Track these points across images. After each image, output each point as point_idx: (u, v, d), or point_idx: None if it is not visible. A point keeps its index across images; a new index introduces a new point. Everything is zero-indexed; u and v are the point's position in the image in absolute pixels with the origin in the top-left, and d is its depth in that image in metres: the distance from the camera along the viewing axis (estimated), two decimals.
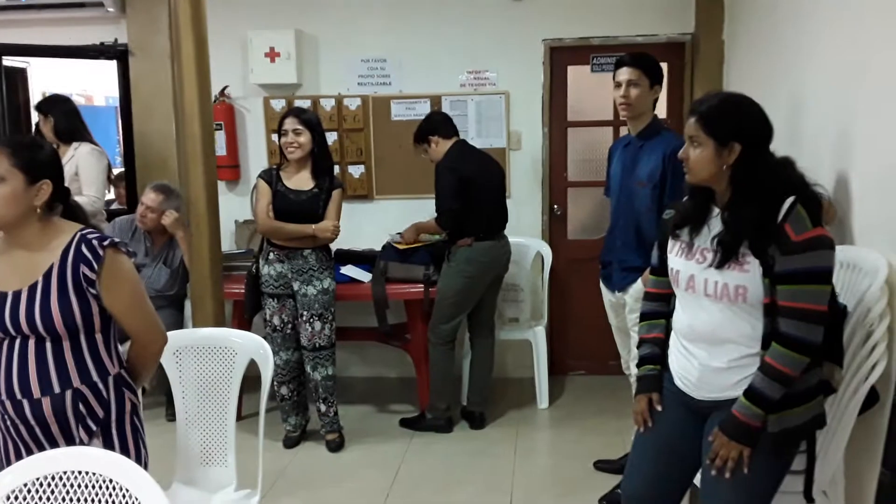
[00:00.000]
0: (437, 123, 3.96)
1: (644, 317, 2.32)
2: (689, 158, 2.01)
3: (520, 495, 3.36)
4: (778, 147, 2.07)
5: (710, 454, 2.00)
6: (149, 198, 4.10)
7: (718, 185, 2.01)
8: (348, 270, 4.24)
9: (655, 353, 2.22)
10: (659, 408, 2.18)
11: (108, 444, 1.96)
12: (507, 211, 4.10)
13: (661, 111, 4.18)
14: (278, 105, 4.69)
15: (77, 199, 3.83)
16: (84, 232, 1.94)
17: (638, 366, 2.28)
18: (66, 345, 1.92)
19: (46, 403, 1.90)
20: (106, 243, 1.93)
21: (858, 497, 2.42)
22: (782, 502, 2.28)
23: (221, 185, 4.61)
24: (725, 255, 1.95)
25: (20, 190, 1.87)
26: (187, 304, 4.08)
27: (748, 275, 1.92)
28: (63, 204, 2.02)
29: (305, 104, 4.65)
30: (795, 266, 1.87)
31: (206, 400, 2.52)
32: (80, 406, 1.93)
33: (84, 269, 1.90)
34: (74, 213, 2.05)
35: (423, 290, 4.08)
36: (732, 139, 1.95)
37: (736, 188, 1.98)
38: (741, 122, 1.98)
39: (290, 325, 3.82)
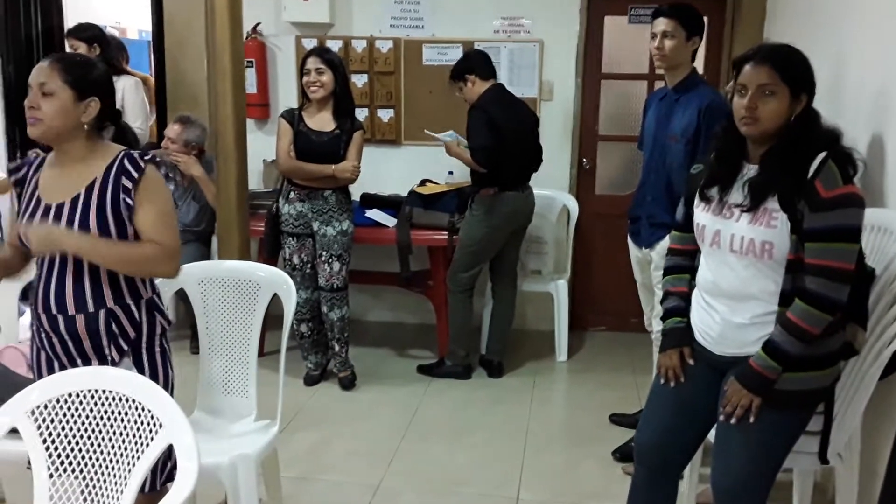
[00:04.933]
0: (476, 62, 3.89)
1: (668, 271, 2.30)
2: (759, 108, 1.91)
3: (534, 442, 3.41)
4: (819, 106, 2.02)
5: (722, 401, 2.01)
6: (170, 129, 4.14)
7: (767, 140, 1.95)
8: (373, 214, 4.25)
9: (681, 307, 2.20)
10: (691, 361, 2.14)
11: (137, 364, 2.02)
12: (541, 159, 4.06)
13: (699, 66, 4.09)
14: (310, 45, 4.64)
15: None
16: (129, 150, 2.00)
17: (663, 319, 2.26)
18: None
19: (80, 321, 1.96)
20: (147, 157, 1.99)
21: (874, 461, 2.43)
22: (797, 462, 2.30)
23: (251, 124, 4.61)
24: (756, 197, 1.92)
25: (69, 105, 1.92)
26: (214, 241, 4.12)
27: (775, 230, 1.90)
28: (115, 126, 2.08)
29: (337, 45, 4.61)
30: (824, 223, 1.84)
31: (230, 331, 2.56)
32: (113, 325, 1.99)
33: (124, 180, 1.95)
34: (125, 137, 2.10)
35: (446, 237, 4.09)
36: (803, 89, 1.92)
37: (782, 140, 1.93)
38: (809, 73, 1.95)
39: (309, 265, 3.86)
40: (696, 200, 2.11)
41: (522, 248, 4.25)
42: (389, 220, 4.22)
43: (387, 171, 4.68)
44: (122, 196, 1.94)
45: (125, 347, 2.01)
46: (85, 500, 1.62)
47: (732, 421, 1.98)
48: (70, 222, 1.92)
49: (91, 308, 1.96)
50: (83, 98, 1.93)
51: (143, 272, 2.00)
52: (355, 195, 4.10)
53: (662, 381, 2.18)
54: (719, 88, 2.17)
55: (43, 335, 2.00)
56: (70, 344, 1.98)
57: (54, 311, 1.96)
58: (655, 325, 3.20)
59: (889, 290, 2.25)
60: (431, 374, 4.12)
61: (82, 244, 1.90)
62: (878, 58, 2.69)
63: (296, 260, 3.84)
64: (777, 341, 1.92)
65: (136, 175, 1.95)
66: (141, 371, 2.02)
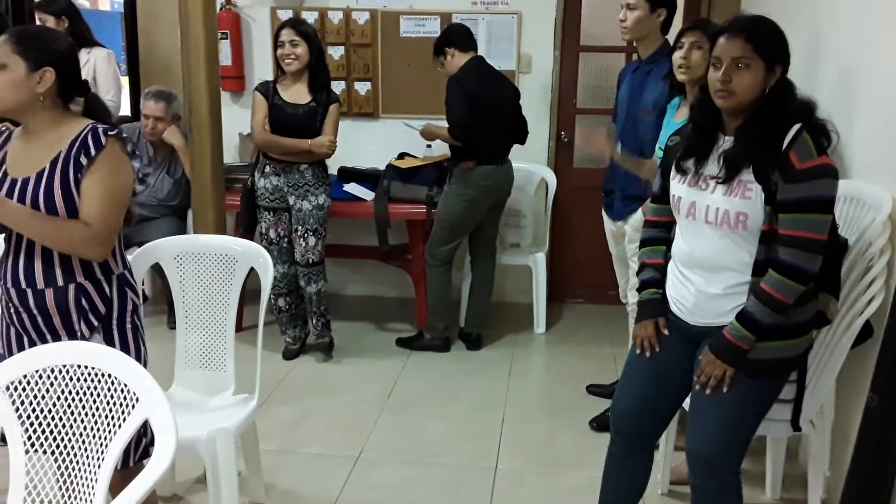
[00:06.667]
0: (455, 35, 3.85)
1: (644, 243, 2.31)
2: (733, 81, 1.91)
3: (512, 413, 3.44)
4: (795, 79, 2.03)
5: (696, 371, 2.03)
6: (151, 108, 4.05)
7: (742, 112, 1.96)
8: (351, 188, 4.23)
9: (657, 278, 2.21)
10: (665, 332, 2.15)
11: (108, 341, 2.00)
12: (526, 132, 4.04)
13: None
14: (285, 16, 4.57)
15: None
16: (95, 124, 1.94)
17: (639, 290, 2.27)
18: None
19: (49, 295, 1.93)
20: (112, 132, 1.93)
21: (845, 428, 2.47)
22: (769, 429, 2.34)
23: (226, 97, 4.57)
24: (731, 169, 1.93)
25: (20, 77, 1.87)
26: (190, 215, 4.08)
27: (750, 202, 1.91)
28: (84, 99, 2.02)
29: (312, 16, 4.55)
30: (798, 194, 1.86)
31: (207, 306, 2.54)
32: (83, 301, 1.96)
33: (82, 155, 1.90)
34: (94, 109, 2.04)
35: (425, 210, 4.08)
36: (778, 62, 1.93)
37: (756, 112, 1.94)
38: (784, 45, 1.95)
39: (285, 239, 3.84)
40: (673, 172, 2.12)
41: (501, 221, 4.25)
42: (367, 194, 4.20)
43: (364, 144, 4.65)
44: (77, 171, 1.89)
45: (95, 323, 1.98)
46: (60, 477, 1.62)
47: (707, 392, 2.00)
48: (35, 197, 1.88)
49: (60, 282, 1.93)
50: (36, 69, 1.88)
51: (66, 250, 1.92)
52: (333, 169, 4.08)
53: (638, 351, 2.20)
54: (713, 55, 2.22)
55: (12, 310, 1.97)
56: (39, 319, 1.95)
57: (23, 285, 1.93)
58: (631, 297, 3.23)
59: (861, 260, 2.28)
60: (410, 347, 4.13)
61: (8, 215, 1.85)
62: (851, 33, 2.71)
63: (272, 234, 3.82)
64: (751, 311, 1.94)
65: (93, 151, 1.89)
66: (112, 348, 1.99)
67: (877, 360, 2.04)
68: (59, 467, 1.62)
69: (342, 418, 3.35)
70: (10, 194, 1.89)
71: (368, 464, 3.00)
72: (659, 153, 2.85)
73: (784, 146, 1.87)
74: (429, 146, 4.40)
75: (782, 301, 1.91)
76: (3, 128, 2.07)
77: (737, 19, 2.00)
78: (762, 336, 1.94)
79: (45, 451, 1.62)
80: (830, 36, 2.89)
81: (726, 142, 2.00)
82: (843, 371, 2.34)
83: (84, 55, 4.13)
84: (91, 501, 1.55)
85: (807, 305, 2.01)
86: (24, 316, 1.96)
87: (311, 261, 3.80)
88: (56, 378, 1.63)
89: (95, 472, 1.57)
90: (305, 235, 3.77)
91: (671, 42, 2.86)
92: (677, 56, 2.71)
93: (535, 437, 3.23)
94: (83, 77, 2.04)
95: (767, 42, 1.92)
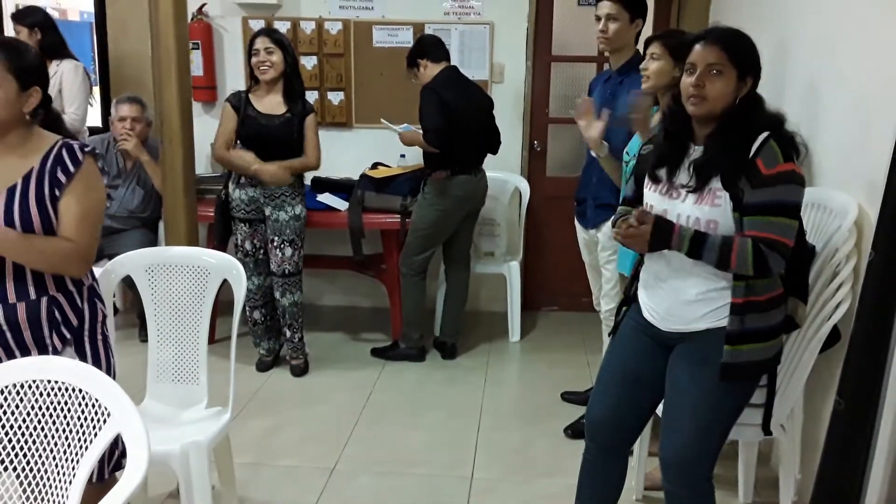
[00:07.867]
0: (427, 46, 3.87)
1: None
2: (706, 87, 1.95)
3: (488, 422, 3.44)
4: (761, 91, 2.06)
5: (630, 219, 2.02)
6: (126, 110, 4.03)
7: (712, 121, 1.99)
8: (325, 198, 4.22)
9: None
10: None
11: (80, 353, 1.98)
12: (499, 142, 4.06)
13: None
14: (257, 26, 4.56)
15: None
16: (67, 139, 1.95)
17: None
18: None
19: (21, 309, 1.91)
20: (87, 149, 1.94)
21: (814, 432, 2.51)
22: (741, 433, 2.37)
23: (198, 107, 4.54)
24: (701, 178, 1.96)
25: (13, 95, 1.85)
26: (161, 226, 4.05)
27: (719, 209, 1.94)
28: (45, 112, 2.01)
29: (285, 26, 4.54)
30: (764, 198, 1.89)
31: (179, 318, 2.51)
32: (56, 313, 1.94)
33: (59, 172, 1.89)
34: (56, 122, 2.04)
35: (399, 220, 4.08)
36: (749, 72, 1.97)
37: (725, 122, 1.97)
38: (756, 58, 1.99)
39: (261, 251, 3.81)
40: (646, 180, 2.14)
41: (475, 230, 4.27)
42: (341, 204, 4.19)
43: (338, 154, 4.63)
44: (54, 187, 1.88)
45: (68, 336, 1.97)
46: (29, 496, 1.59)
47: (619, 240, 2.02)
48: (8, 212, 1.85)
49: (32, 296, 1.91)
50: (26, 88, 1.87)
51: (52, 269, 1.92)
52: (306, 179, 4.07)
53: (601, 360, 2.20)
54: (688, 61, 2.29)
55: None
56: (8, 335, 1.92)
57: None
58: (604, 305, 3.26)
59: (828, 266, 2.32)
60: (385, 357, 4.12)
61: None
62: (818, 43, 2.76)
63: (248, 246, 3.79)
64: (709, 238, 1.91)
65: (72, 169, 1.89)
66: (84, 360, 1.97)
67: (843, 364, 2.08)
68: (28, 485, 1.59)
69: (317, 430, 3.33)
70: None
71: (343, 475, 2.98)
72: (626, 157, 2.90)
73: (751, 154, 1.91)
74: (402, 156, 4.41)
75: (730, 262, 1.89)
76: None
77: (713, 29, 2.05)
78: (690, 254, 1.93)
79: (13, 470, 1.59)
80: (798, 46, 2.95)
81: (696, 151, 2.03)
82: (812, 375, 2.37)
83: (53, 67, 4.09)
84: None
85: (776, 310, 2.05)
86: None
87: (286, 271, 3.78)
88: (25, 394, 1.60)
89: (66, 489, 1.55)
90: (282, 246, 3.74)
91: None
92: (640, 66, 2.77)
93: (511, 445, 3.24)
94: (49, 91, 2.03)
95: (741, 52, 1.97)
